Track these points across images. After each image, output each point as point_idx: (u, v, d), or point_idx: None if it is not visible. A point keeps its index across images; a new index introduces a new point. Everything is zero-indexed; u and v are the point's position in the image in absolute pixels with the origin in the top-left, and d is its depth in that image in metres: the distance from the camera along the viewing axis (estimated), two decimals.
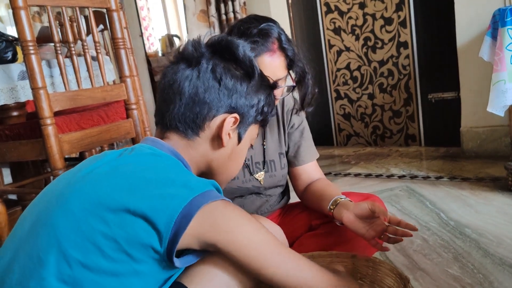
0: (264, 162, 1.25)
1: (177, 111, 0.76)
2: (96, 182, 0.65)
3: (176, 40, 5.00)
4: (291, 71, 1.15)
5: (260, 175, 1.24)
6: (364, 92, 2.96)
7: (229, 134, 0.78)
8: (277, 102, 1.17)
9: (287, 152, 1.29)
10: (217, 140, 0.78)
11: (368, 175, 2.35)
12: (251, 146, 1.22)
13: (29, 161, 1.97)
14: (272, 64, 1.05)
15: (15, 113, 1.84)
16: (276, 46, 1.06)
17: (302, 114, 1.31)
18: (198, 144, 0.78)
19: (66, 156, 2.41)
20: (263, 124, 0.86)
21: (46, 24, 3.00)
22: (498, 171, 2.06)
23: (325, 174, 2.49)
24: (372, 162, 2.60)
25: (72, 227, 0.61)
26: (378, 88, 2.89)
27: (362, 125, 3.03)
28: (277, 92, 1.11)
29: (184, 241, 0.62)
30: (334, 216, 1.06)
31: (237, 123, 0.78)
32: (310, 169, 1.29)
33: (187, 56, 0.77)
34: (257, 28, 1.05)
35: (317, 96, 1.23)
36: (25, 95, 1.62)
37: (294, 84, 1.15)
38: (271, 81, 0.87)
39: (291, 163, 1.29)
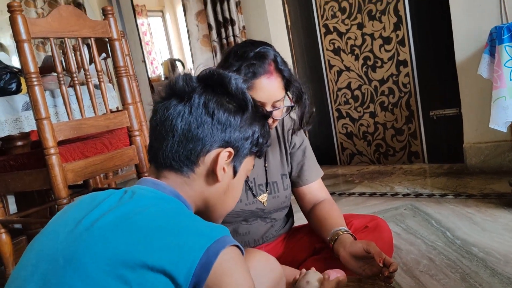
0: (266, 184, 1.25)
1: (170, 149, 0.74)
2: (107, 236, 0.62)
3: (178, 64, 5.07)
4: (288, 92, 1.17)
5: (263, 197, 1.24)
6: (365, 110, 2.97)
7: (224, 168, 0.77)
8: (276, 123, 1.18)
9: (290, 173, 1.29)
10: (212, 175, 0.76)
11: (372, 194, 2.35)
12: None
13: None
14: (270, 86, 1.08)
15: (19, 143, 1.86)
16: (272, 67, 1.08)
17: (303, 133, 1.32)
18: (193, 181, 0.76)
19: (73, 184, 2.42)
20: (258, 155, 0.85)
21: (50, 53, 3.05)
22: (503, 187, 2.05)
23: (330, 194, 2.48)
24: (376, 181, 2.59)
25: None
26: (379, 107, 2.90)
27: (364, 144, 3.03)
28: (277, 113, 1.13)
29: None
30: (333, 250, 1.08)
31: (232, 156, 0.77)
32: (315, 189, 1.29)
33: (178, 92, 0.75)
34: (253, 52, 1.08)
35: (314, 115, 1.24)
36: (29, 125, 1.64)
37: (293, 104, 1.16)
38: (265, 111, 0.86)
39: (295, 183, 1.29)
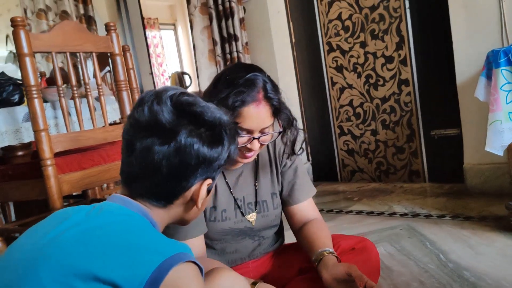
0: (256, 202, 1.26)
1: (151, 187, 0.75)
2: (65, 249, 0.64)
3: (186, 77, 5.13)
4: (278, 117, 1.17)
5: (251, 217, 1.25)
6: (367, 128, 2.97)
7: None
8: (263, 148, 1.19)
9: (281, 192, 1.29)
10: (190, 202, 0.79)
11: (370, 213, 2.34)
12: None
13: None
14: (258, 114, 1.06)
15: (20, 153, 1.90)
16: (261, 96, 1.07)
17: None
18: (171, 209, 0.78)
19: (74, 194, 2.45)
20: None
21: (60, 65, 3.11)
22: (502, 210, 2.02)
23: (328, 212, 2.48)
24: (376, 199, 2.58)
25: None
26: (380, 125, 2.90)
27: (365, 161, 3.03)
28: (266, 138, 1.13)
29: None
30: (317, 271, 1.08)
31: (211, 183, 0.79)
32: (305, 208, 1.29)
33: (159, 129, 0.73)
34: (243, 79, 1.06)
35: (306, 141, 1.25)
36: (29, 136, 1.68)
37: (281, 129, 1.17)
38: (235, 128, 0.88)
39: (286, 202, 1.29)
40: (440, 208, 2.23)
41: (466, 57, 2.32)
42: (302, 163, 1.33)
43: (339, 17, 2.95)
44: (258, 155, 1.27)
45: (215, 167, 0.78)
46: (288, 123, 1.16)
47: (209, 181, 0.78)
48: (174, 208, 0.78)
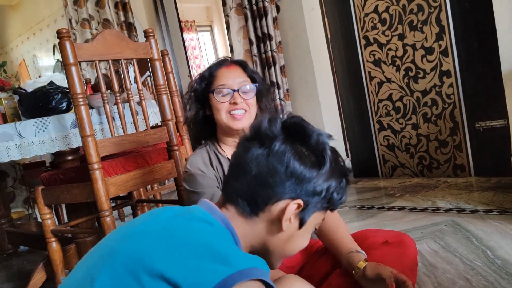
0: None
1: (240, 187, 0.76)
2: (143, 241, 0.67)
3: None
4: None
5: None
6: (407, 122, 2.91)
7: (290, 219, 0.76)
8: (244, 105, 1.27)
9: None
10: (276, 223, 0.76)
11: (412, 209, 2.29)
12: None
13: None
14: (230, 73, 1.26)
15: (69, 157, 2.01)
16: (229, 61, 1.31)
17: None
18: (255, 223, 0.77)
19: (122, 195, 2.56)
20: (331, 209, 0.83)
21: (103, 71, 3.24)
22: None
23: (369, 208, 2.45)
24: (418, 195, 2.53)
25: (111, 284, 0.63)
26: (422, 118, 2.83)
27: (407, 156, 2.96)
28: (245, 90, 1.26)
29: None
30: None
31: (301, 209, 0.76)
32: None
33: (261, 135, 0.77)
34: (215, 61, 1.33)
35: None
36: (77, 141, 1.77)
37: (257, 84, 1.29)
38: (345, 168, 0.84)
39: None
40: (487, 203, 2.15)
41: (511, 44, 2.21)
42: None
43: (375, 10, 2.89)
44: None
45: (308, 190, 0.76)
46: (265, 86, 1.33)
47: (298, 201, 0.75)
48: (259, 223, 0.77)
